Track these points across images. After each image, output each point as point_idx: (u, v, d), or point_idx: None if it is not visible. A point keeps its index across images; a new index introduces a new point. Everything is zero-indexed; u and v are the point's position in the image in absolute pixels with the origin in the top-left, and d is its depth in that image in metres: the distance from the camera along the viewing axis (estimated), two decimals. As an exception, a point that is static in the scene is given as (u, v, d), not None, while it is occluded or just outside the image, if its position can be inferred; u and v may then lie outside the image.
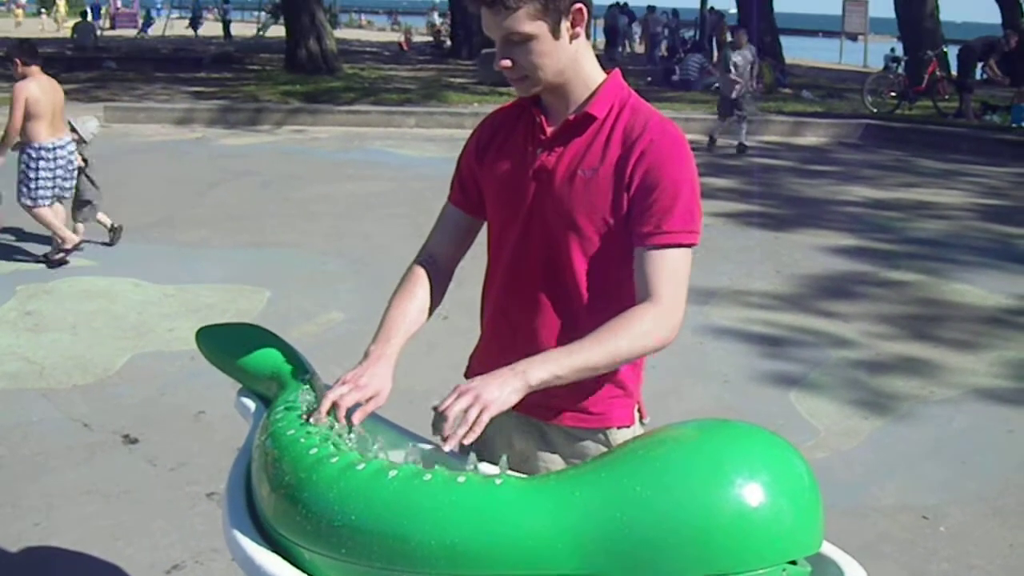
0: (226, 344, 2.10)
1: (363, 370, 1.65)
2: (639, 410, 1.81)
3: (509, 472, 1.46)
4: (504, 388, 1.51)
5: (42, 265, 6.07)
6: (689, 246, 1.65)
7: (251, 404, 1.99)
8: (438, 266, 1.86)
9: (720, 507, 1.28)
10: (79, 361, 4.56)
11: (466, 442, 1.48)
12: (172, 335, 4.94)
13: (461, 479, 1.38)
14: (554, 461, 1.77)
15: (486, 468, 1.66)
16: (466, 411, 1.48)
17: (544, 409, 1.70)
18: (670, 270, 1.63)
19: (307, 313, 5.37)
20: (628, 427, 1.78)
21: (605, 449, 1.74)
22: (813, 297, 6.03)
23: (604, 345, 1.58)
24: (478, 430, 1.48)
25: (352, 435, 1.58)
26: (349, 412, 1.61)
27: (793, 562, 1.31)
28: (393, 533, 1.34)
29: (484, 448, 1.79)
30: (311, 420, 1.60)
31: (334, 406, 1.59)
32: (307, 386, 1.82)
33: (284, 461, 1.52)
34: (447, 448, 1.50)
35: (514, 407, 1.73)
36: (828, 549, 1.43)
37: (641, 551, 1.28)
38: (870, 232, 7.84)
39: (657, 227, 1.63)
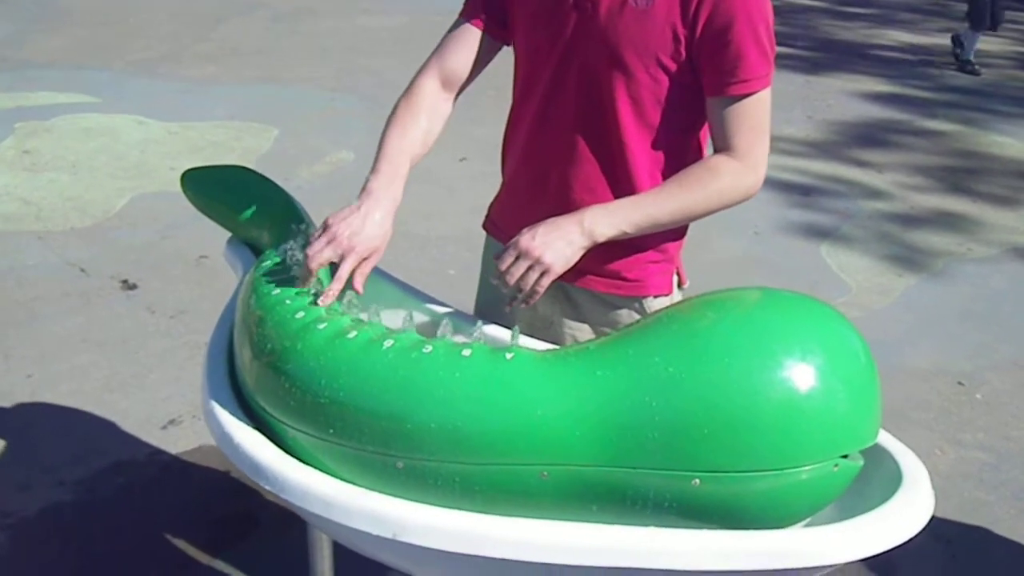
0: (214, 188, 1.90)
1: (356, 217, 1.40)
2: (678, 275, 1.61)
3: (522, 343, 1.27)
4: (571, 245, 1.34)
5: (42, 103, 5.82)
6: (767, 88, 1.43)
7: (241, 255, 1.81)
8: (444, 88, 1.58)
9: (766, 392, 1.09)
10: (77, 202, 4.37)
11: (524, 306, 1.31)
12: (175, 174, 4.67)
13: (466, 352, 1.19)
14: (581, 330, 1.57)
15: (495, 332, 1.48)
16: (526, 272, 1.30)
17: (572, 270, 1.49)
18: (750, 120, 1.43)
19: (316, 152, 5.14)
20: (666, 295, 1.58)
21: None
22: (846, 145, 5.75)
23: (676, 200, 1.40)
24: (540, 293, 1.30)
25: (346, 297, 1.39)
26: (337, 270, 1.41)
27: (845, 456, 1.13)
28: (387, 413, 1.17)
29: (498, 309, 1.61)
30: (305, 284, 1.41)
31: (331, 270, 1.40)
32: (300, 238, 1.62)
33: (266, 325, 1.33)
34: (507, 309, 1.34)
35: None
36: (883, 438, 1.26)
37: (672, 441, 1.10)
38: (906, 79, 7.45)
39: (732, 74, 1.40)
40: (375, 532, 1.15)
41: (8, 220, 4.13)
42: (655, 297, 1.57)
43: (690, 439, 1.10)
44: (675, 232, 1.54)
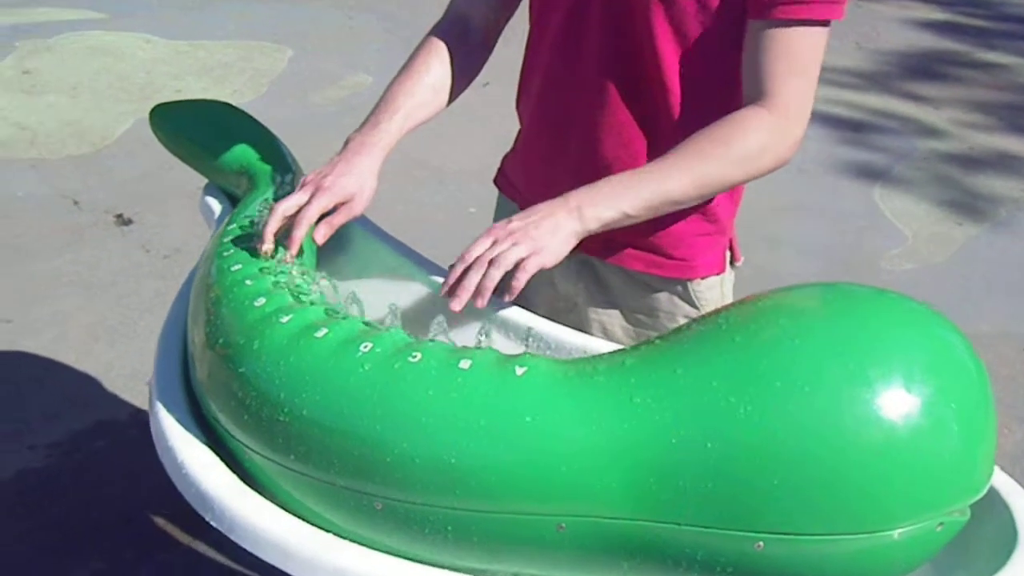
0: (186, 126, 1.62)
1: (332, 166, 1.15)
2: (732, 250, 1.32)
3: (542, 331, 1.00)
4: (558, 231, 1.03)
5: (45, 19, 5.52)
6: (827, 23, 1.09)
7: (216, 207, 1.54)
8: (470, 32, 1.31)
9: (859, 434, 0.81)
10: (76, 127, 4.10)
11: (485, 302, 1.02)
12: (182, 97, 4.44)
13: (464, 363, 0.91)
14: (610, 316, 1.29)
15: (510, 316, 1.20)
16: (490, 264, 1.01)
17: (602, 243, 1.21)
18: (797, 60, 1.09)
19: (331, 75, 4.83)
20: (716, 276, 1.29)
21: (684, 307, 1.26)
22: (899, 77, 5.36)
23: (692, 171, 1.07)
24: (519, 286, 1.01)
25: (321, 278, 1.13)
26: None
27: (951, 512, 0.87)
28: (360, 440, 0.90)
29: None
30: (260, 248, 1.14)
31: (287, 228, 1.13)
32: (281, 191, 1.35)
33: (221, 312, 1.07)
34: (479, 305, 1.04)
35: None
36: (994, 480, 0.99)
37: (731, 494, 0.83)
38: (962, 5, 6.99)
39: None
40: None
41: (1, 146, 3.87)
42: (703, 278, 1.28)
43: (756, 492, 0.83)
44: (728, 197, 1.24)
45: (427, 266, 1.29)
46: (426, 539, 0.91)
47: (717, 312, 0.95)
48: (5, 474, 2.19)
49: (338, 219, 1.15)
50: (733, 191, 1.23)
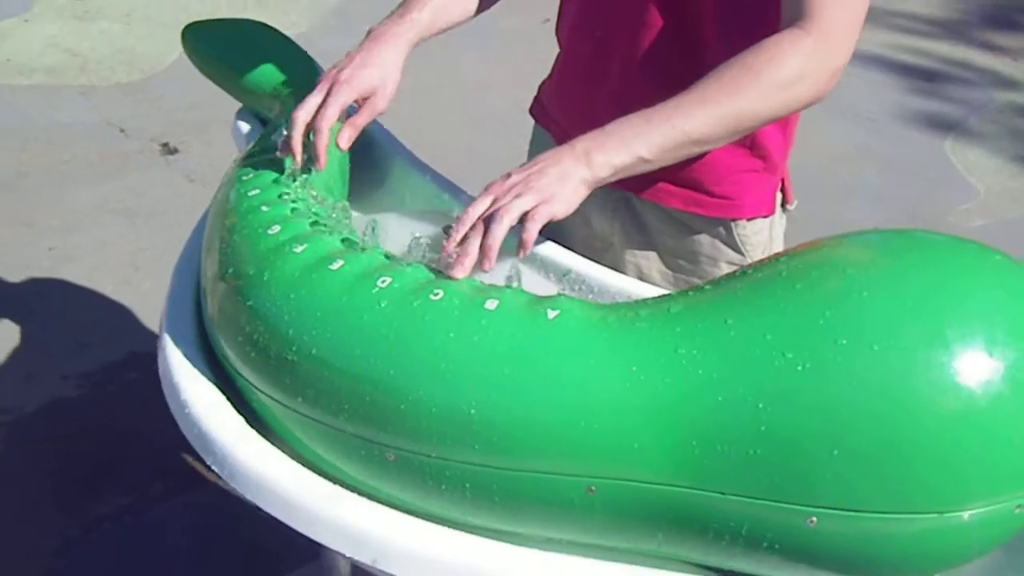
0: (220, 47, 1.53)
1: (349, 59, 1.05)
2: (783, 191, 1.20)
3: (581, 270, 0.90)
4: (564, 181, 0.91)
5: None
6: None
7: (246, 131, 1.46)
8: None
9: (933, 401, 0.71)
10: (127, 55, 4.03)
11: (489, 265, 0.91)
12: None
13: (491, 303, 0.82)
14: (648, 259, 1.18)
15: (549, 253, 1.11)
16: (493, 222, 0.90)
17: (638, 177, 1.11)
18: None
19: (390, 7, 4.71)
20: (765, 218, 1.17)
21: (728, 252, 1.15)
22: (975, 25, 5.09)
23: (717, 106, 0.93)
24: (530, 239, 0.91)
25: (339, 206, 1.04)
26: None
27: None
28: (372, 385, 0.82)
29: (550, 223, 1.23)
30: (279, 154, 1.06)
31: (308, 135, 1.03)
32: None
33: (234, 240, 0.99)
34: (486, 267, 0.93)
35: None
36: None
37: (784, 463, 0.73)
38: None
39: None
40: (348, 553, 0.82)
41: (50, 73, 3.83)
42: (749, 220, 1.15)
43: (811, 461, 0.73)
44: (779, 129, 1.12)
45: (460, 196, 1.20)
46: (442, 496, 0.83)
47: (775, 257, 0.84)
48: (37, 403, 2.16)
49: (361, 118, 1.05)
50: (785, 124, 1.11)
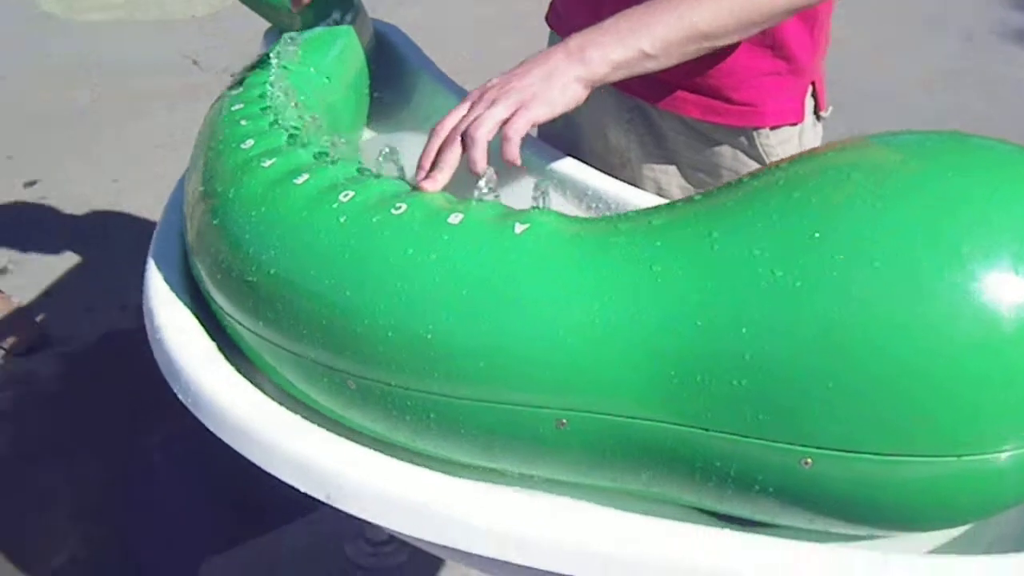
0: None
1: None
2: (815, 96, 1.08)
3: (547, 208, 0.81)
4: (551, 80, 0.81)
5: None
6: None
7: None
8: None
9: (947, 327, 0.60)
10: (202, -12, 4.03)
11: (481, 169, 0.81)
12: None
13: (455, 217, 0.74)
14: (667, 173, 1.08)
15: (566, 169, 1.02)
16: (466, 135, 0.80)
17: (651, 84, 1.02)
18: None
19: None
20: (792, 126, 1.05)
21: (752, 164, 1.04)
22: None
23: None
24: (512, 149, 0.81)
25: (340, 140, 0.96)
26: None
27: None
28: (328, 306, 0.74)
29: (566, 135, 1.14)
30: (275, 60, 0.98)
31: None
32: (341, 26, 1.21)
33: (209, 157, 0.93)
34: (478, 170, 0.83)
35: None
36: None
37: (773, 397, 0.64)
38: None
39: None
40: (303, 488, 0.75)
41: (128, 5, 3.83)
42: (773, 129, 1.03)
43: (802, 394, 0.63)
44: (804, 26, 1.00)
45: (450, 87, 1.11)
46: (408, 426, 0.76)
47: (780, 163, 0.74)
48: (95, 333, 2.17)
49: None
50: (812, 19, 0.99)
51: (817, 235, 0.64)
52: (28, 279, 2.24)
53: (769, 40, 0.97)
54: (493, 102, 0.79)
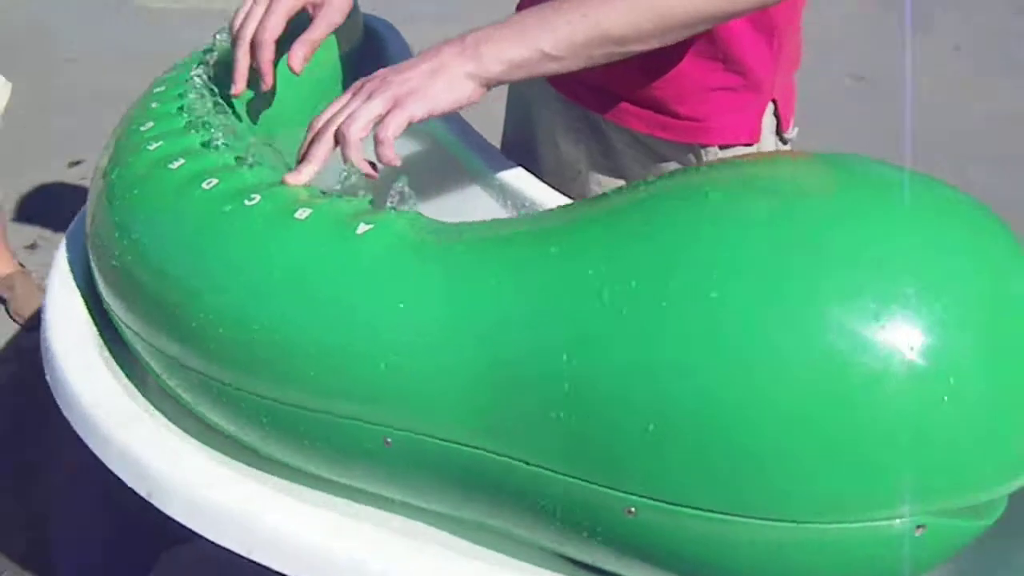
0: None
1: None
2: (777, 115, 1.00)
3: (408, 210, 0.73)
4: (438, 76, 0.75)
5: None
6: None
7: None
8: None
9: (789, 383, 0.53)
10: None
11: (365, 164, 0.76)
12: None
13: (302, 212, 0.69)
14: (614, 186, 1.01)
15: (517, 183, 0.97)
16: (348, 117, 0.75)
17: (598, 95, 0.96)
18: None
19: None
20: (747, 145, 0.97)
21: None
22: None
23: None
24: (386, 151, 0.75)
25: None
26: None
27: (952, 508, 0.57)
28: (173, 298, 0.70)
29: (524, 146, 1.09)
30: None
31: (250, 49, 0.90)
32: None
33: (118, 137, 0.89)
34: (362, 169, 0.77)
35: (557, 88, 1.01)
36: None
37: (593, 435, 0.57)
38: None
39: None
40: (129, 483, 0.72)
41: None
42: (723, 148, 0.95)
43: (623, 436, 0.57)
44: (762, 38, 0.92)
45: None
46: (248, 427, 0.72)
47: (675, 174, 0.67)
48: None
49: (317, 32, 0.88)
50: (771, 32, 0.91)
51: (653, 259, 0.57)
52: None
53: (720, 52, 0.90)
54: (370, 96, 0.74)
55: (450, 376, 0.61)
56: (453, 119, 1.08)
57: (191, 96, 0.87)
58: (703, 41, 0.89)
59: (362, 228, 0.67)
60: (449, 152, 1.07)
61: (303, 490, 0.71)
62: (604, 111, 0.97)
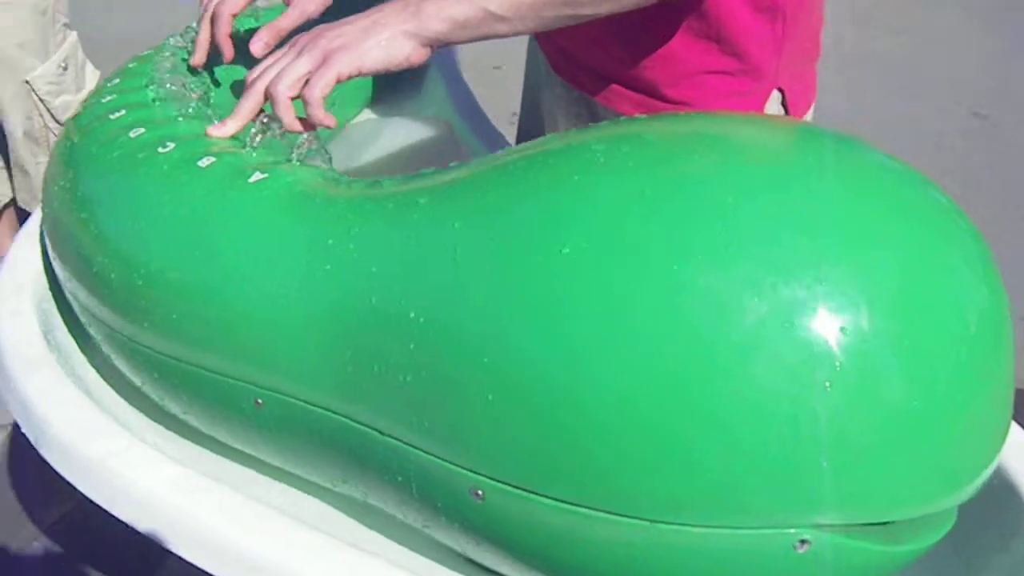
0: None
1: None
2: (784, 105, 0.90)
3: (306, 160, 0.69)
4: (372, 33, 0.69)
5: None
6: None
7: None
8: None
9: (641, 368, 0.46)
10: None
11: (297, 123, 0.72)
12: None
13: (206, 161, 0.66)
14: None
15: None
16: (278, 75, 0.71)
17: (593, 78, 0.90)
18: None
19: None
20: None
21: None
22: None
23: None
24: (315, 112, 0.71)
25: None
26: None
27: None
28: (85, 242, 0.68)
29: (535, 132, 1.04)
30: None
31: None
32: None
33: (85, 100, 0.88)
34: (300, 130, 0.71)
35: (559, 73, 0.96)
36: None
37: (438, 404, 0.53)
38: None
39: None
40: (23, 427, 0.70)
41: None
42: None
43: (468, 409, 0.51)
44: (763, 20, 0.84)
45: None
46: (143, 380, 0.69)
47: (586, 129, 0.60)
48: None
49: (286, 21, 0.82)
50: (774, 13, 0.83)
51: (508, 216, 0.52)
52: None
53: (713, 32, 0.83)
54: (300, 53, 0.71)
55: (309, 333, 0.57)
56: (470, 111, 1.04)
57: (158, 60, 0.86)
58: (694, 18, 0.82)
59: (255, 177, 0.63)
60: (461, 140, 1.04)
61: (184, 448, 0.68)
62: (598, 94, 0.91)
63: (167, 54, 0.87)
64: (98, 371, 0.77)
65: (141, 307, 0.64)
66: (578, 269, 0.48)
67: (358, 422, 0.56)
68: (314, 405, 0.58)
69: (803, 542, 0.49)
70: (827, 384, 0.46)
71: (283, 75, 0.70)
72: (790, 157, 0.53)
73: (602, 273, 0.47)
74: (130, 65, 0.88)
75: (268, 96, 0.71)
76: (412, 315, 0.52)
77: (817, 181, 0.50)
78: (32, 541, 1.30)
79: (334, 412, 0.58)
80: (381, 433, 0.56)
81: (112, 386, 0.76)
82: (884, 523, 0.50)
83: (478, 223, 0.52)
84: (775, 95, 0.88)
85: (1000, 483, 0.65)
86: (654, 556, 0.50)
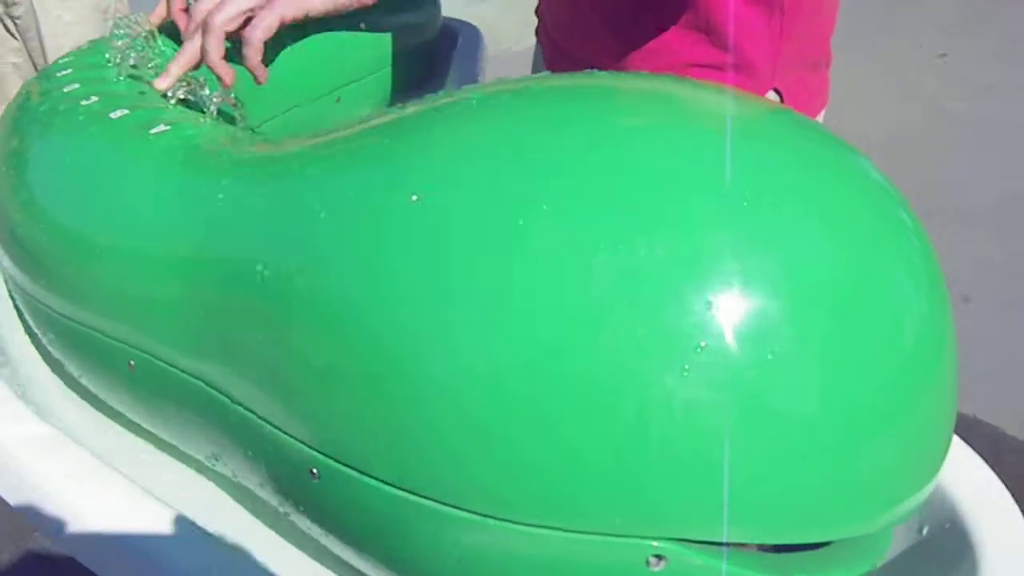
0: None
1: None
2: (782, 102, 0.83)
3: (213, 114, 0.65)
4: None
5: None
6: None
7: None
8: None
9: (500, 339, 0.40)
10: None
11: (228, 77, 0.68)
12: None
13: (118, 113, 0.62)
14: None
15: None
16: (217, 7, 0.68)
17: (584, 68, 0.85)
18: None
19: None
20: None
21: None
22: None
23: None
24: (252, 55, 0.67)
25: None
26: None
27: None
28: (22, 201, 0.66)
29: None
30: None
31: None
32: None
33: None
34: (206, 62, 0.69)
35: (549, 64, 0.93)
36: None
37: (277, 374, 0.48)
38: None
39: None
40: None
41: None
42: None
43: (300, 374, 0.46)
44: (760, 10, 0.77)
45: None
46: (46, 338, 0.67)
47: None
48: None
49: (259, 31, 0.69)
50: (771, 5, 0.76)
51: (367, 156, 0.47)
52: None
53: (703, 22, 0.77)
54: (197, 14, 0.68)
55: (170, 291, 0.53)
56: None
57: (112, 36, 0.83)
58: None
59: (157, 129, 0.60)
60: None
61: (71, 412, 0.64)
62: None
63: (120, 31, 0.85)
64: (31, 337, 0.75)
65: (41, 261, 0.61)
66: (413, 219, 0.43)
67: (216, 389, 0.52)
68: (175, 367, 0.54)
69: (658, 557, 0.42)
70: (685, 368, 0.39)
71: (224, 7, 0.67)
72: (684, 108, 0.46)
73: (434, 225, 0.42)
74: (84, 48, 0.85)
75: (203, 26, 0.68)
76: (259, 268, 0.48)
77: (702, 132, 0.43)
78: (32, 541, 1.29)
79: (194, 377, 0.53)
80: (232, 400, 0.51)
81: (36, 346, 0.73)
82: (782, 548, 0.43)
83: (331, 169, 0.48)
84: (771, 96, 0.81)
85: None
86: (488, 554, 0.44)
